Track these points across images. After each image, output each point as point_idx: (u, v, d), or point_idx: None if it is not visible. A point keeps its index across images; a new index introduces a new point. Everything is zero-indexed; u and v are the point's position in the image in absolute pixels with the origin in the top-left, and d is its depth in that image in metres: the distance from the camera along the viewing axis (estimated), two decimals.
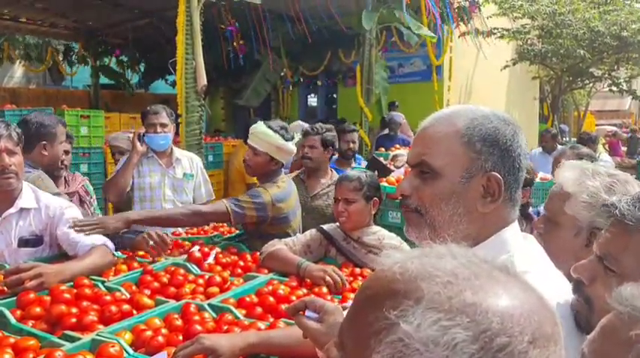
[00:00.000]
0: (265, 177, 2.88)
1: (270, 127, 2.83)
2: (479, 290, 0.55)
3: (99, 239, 2.32)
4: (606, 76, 13.67)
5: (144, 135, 3.53)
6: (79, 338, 1.55)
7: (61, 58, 11.39)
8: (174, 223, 2.84)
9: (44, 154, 2.92)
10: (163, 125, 3.52)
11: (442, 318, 0.53)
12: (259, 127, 2.86)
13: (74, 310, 1.76)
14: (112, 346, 1.46)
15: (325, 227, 2.65)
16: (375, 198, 2.59)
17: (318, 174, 3.64)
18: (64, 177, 3.29)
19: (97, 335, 1.56)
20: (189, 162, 3.70)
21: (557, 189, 1.49)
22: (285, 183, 2.89)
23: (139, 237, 2.48)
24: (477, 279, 0.56)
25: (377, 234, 2.59)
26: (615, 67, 13.24)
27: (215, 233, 3.05)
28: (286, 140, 2.82)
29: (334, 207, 2.59)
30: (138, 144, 3.50)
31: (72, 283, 2.02)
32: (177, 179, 3.60)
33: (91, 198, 3.37)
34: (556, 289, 1.06)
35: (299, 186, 3.44)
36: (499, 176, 1.04)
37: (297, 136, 3.10)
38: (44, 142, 2.92)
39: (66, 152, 3.19)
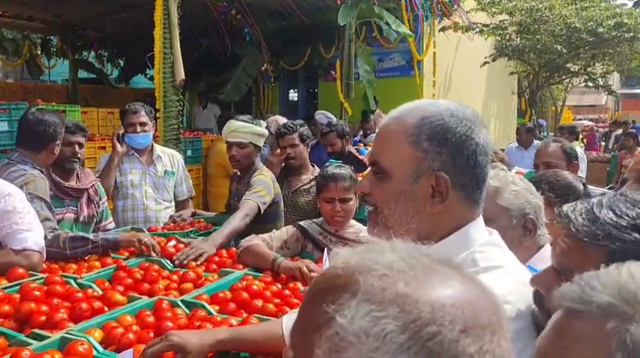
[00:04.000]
0: (250, 167, 3.19)
1: (242, 120, 3.20)
2: (412, 281, 0.55)
3: (32, 243, 2.17)
4: (582, 71, 13.89)
5: (123, 135, 3.51)
6: (48, 336, 1.54)
7: (39, 52, 11.17)
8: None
9: (54, 154, 2.77)
10: (143, 124, 3.51)
11: (374, 310, 0.53)
12: (235, 123, 3.18)
13: (44, 308, 1.74)
14: (81, 344, 1.45)
15: (302, 223, 2.66)
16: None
17: (300, 170, 3.64)
18: (77, 173, 3.14)
19: (67, 333, 1.55)
20: (169, 159, 3.69)
21: None
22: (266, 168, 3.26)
23: (129, 236, 2.47)
24: (412, 271, 0.56)
25: (354, 227, 2.62)
26: (591, 63, 13.46)
27: (191, 228, 3.04)
28: (257, 126, 3.23)
29: (325, 207, 2.57)
30: (118, 144, 3.48)
31: (43, 280, 2.01)
32: (159, 176, 3.60)
33: (100, 200, 3.22)
34: (517, 284, 1.06)
35: (280, 182, 3.47)
36: (445, 176, 1.02)
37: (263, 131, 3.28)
38: (58, 142, 2.78)
39: (80, 145, 3.05)
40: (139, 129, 3.49)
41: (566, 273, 1.00)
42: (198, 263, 2.36)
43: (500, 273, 1.04)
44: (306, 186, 3.56)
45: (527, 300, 1.04)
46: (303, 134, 3.63)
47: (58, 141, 2.78)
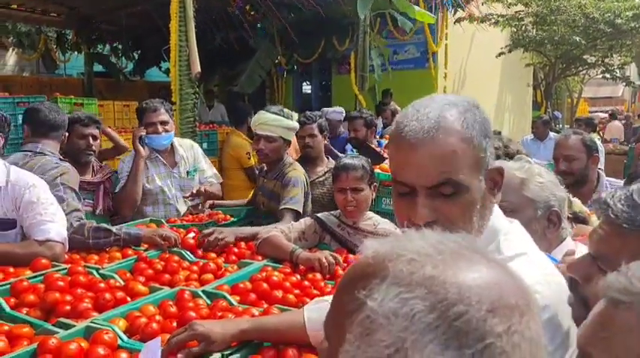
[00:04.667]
0: (278, 161, 3.07)
1: (273, 112, 3.03)
2: (439, 264, 0.56)
3: (55, 234, 2.20)
4: (600, 62, 13.69)
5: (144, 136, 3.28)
6: (73, 325, 1.56)
7: (54, 46, 11.27)
8: None
9: (62, 143, 2.81)
10: (164, 123, 3.29)
11: (403, 292, 0.55)
12: (265, 115, 3.04)
13: (68, 297, 1.77)
14: (106, 333, 1.47)
15: (319, 215, 2.66)
16: (375, 183, 2.62)
17: (316, 161, 3.61)
18: (92, 166, 3.12)
19: (91, 322, 1.57)
20: (190, 153, 3.52)
21: (507, 180, 1.56)
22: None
23: (151, 233, 2.46)
24: (440, 255, 0.58)
25: (371, 219, 2.62)
26: (609, 54, 13.25)
27: (210, 220, 3.06)
28: (288, 119, 3.04)
29: (338, 197, 2.56)
30: (141, 148, 3.23)
31: (66, 271, 2.03)
32: (183, 178, 3.43)
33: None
34: (543, 274, 1.06)
35: None
36: (500, 165, 1.05)
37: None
38: (66, 132, 2.81)
39: (94, 137, 3.04)
40: (160, 129, 3.26)
41: (604, 260, 1.00)
42: (221, 243, 2.42)
43: (525, 262, 1.04)
44: (320, 178, 3.55)
45: (553, 289, 1.04)
46: (321, 125, 3.63)
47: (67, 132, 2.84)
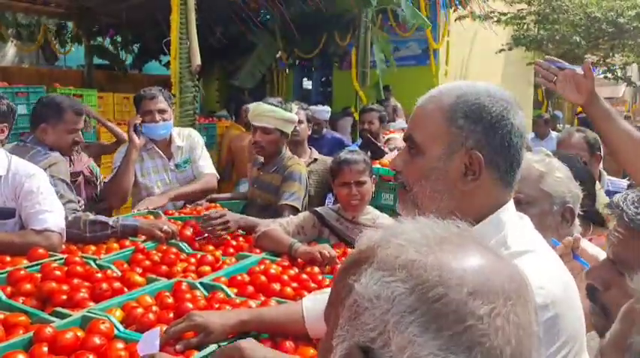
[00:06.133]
0: (275, 155, 3.02)
1: (271, 104, 2.97)
2: (423, 248, 0.57)
3: (52, 224, 2.19)
4: (601, 62, 13.64)
5: (140, 125, 3.13)
6: (70, 315, 1.55)
7: (53, 37, 11.22)
8: None
9: (45, 136, 2.73)
10: (162, 111, 3.14)
11: (385, 275, 0.56)
12: (262, 107, 2.98)
13: (65, 287, 1.75)
14: (103, 323, 1.46)
15: (318, 209, 2.66)
16: (373, 176, 2.64)
17: (299, 151, 3.50)
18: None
19: (88, 311, 1.56)
20: (187, 142, 3.37)
21: (526, 172, 1.54)
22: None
23: (148, 224, 2.42)
24: (425, 240, 0.58)
25: (370, 214, 2.63)
26: (610, 54, 13.21)
27: (207, 212, 3.03)
28: (287, 111, 2.98)
29: (341, 192, 2.55)
30: (135, 137, 3.08)
31: (63, 260, 2.02)
32: (181, 171, 3.32)
33: (97, 179, 3.11)
34: (550, 270, 1.04)
35: None
36: (479, 154, 1.02)
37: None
38: (44, 124, 2.73)
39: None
40: (157, 117, 3.12)
41: (624, 264, 0.98)
42: (216, 234, 2.41)
43: (533, 258, 1.03)
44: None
45: (560, 288, 1.02)
46: (308, 115, 3.67)
47: (44, 124, 2.74)
